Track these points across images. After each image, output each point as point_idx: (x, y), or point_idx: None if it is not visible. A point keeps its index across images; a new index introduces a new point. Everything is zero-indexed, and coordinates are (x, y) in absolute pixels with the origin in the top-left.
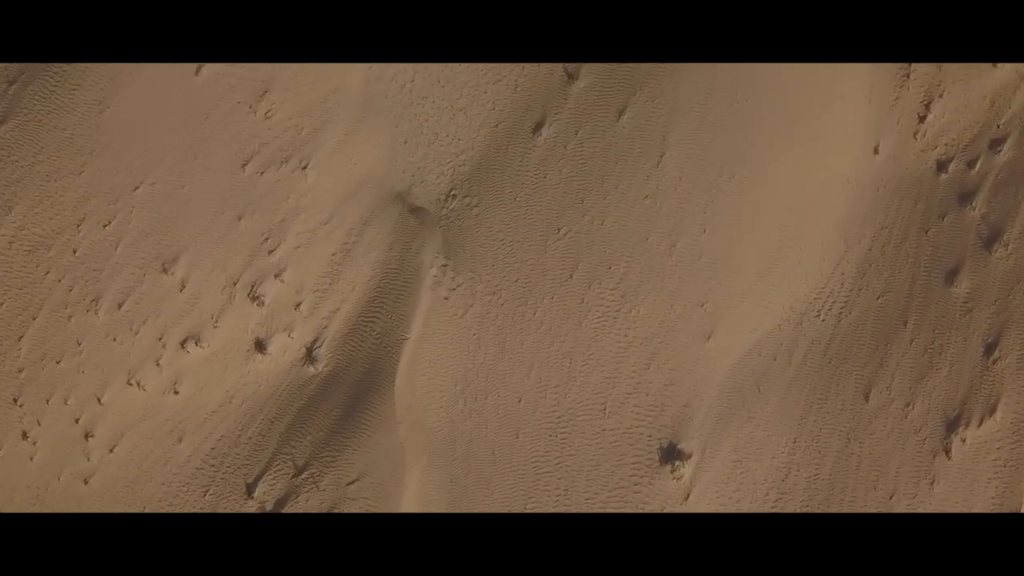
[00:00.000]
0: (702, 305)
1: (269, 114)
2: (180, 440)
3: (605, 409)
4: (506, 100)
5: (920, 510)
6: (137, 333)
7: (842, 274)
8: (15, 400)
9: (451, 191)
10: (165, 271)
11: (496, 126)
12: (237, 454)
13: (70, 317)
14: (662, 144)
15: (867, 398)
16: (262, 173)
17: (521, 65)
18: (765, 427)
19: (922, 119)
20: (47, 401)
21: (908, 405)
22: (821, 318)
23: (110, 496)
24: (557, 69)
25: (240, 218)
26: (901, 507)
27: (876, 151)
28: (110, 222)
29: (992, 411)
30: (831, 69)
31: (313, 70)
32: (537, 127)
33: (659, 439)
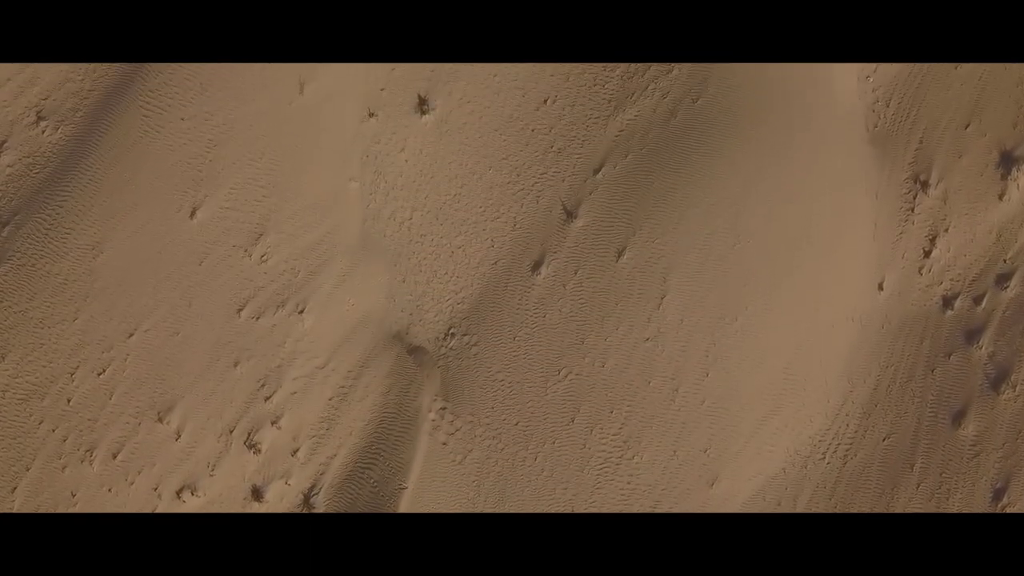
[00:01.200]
0: (705, 451)
1: (265, 257)
2: None
3: None
4: (505, 238)
5: None
6: (132, 483)
7: (847, 415)
8: None
9: (450, 329)
10: (160, 420)
11: (495, 263)
12: None
13: (64, 468)
14: (663, 286)
15: None
16: (258, 318)
17: (520, 201)
18: None
19: (927, 254)
20: None
21: None
22: (826, 461)
23: None
24: (556, 206)
25: (236, 364)
26: None
27: (881, 287)
28: (104, 370)
29: None
30: (835, 203)
31: (310, 211)
32: (536, 266)
33: None
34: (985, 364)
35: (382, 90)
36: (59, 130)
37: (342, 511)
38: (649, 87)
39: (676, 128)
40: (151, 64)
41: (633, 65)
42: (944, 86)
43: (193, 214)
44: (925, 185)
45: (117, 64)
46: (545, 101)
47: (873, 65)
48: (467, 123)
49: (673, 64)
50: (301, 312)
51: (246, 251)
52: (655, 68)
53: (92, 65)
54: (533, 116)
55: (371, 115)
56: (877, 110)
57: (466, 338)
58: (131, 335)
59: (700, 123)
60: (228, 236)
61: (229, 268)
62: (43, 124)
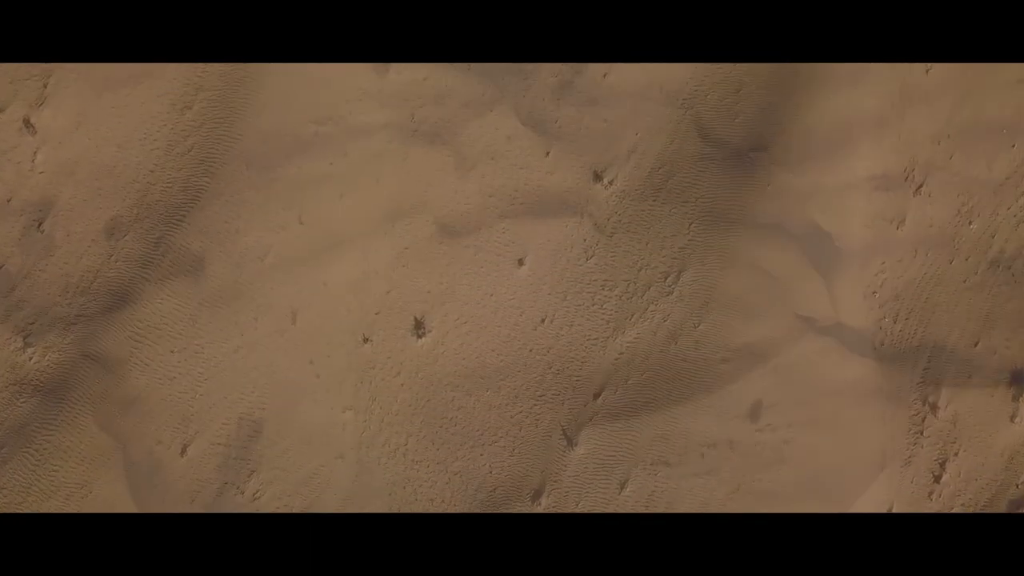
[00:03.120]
0: None
1: (257, 495)
2: None
3: None
4: (503, 463)
5: None
6: None
7: None
8: None
9: None
10: None
11: (493, 491)
12: None
13: None
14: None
15: None
16: None
17: (518, 425)
18: None
19: (937, 479)
20: None
21: None
22: None
23: None
24: (556, 431)
25: None
26: None
27: (890, 512)
28: None
29: None
30: (844, 435)
31: (304, 444)
32: (536, 495)
33: None
34: None
35: (377, 314)
36: (46, 357)
37: None
38: (649, 308)
39: (677, 354)
40: (141, 293)
41: (632, 284)
42: (953, 302)
43: (184, 451)
44: (934, 407)
45: (106, 291)
46: (543, 320)
47: (880, 279)
48: (464, 344)
49: (673, 285)
50: None
51: (239, 488)
52: (655, 288)
53: (81, 288)
54: (530, 336)
55: (366, 340)
56: (884, 327)
57: None
58: None
59: (702, 349)
60: (220, 473)
61: (220, 506)
62: (30, 351)
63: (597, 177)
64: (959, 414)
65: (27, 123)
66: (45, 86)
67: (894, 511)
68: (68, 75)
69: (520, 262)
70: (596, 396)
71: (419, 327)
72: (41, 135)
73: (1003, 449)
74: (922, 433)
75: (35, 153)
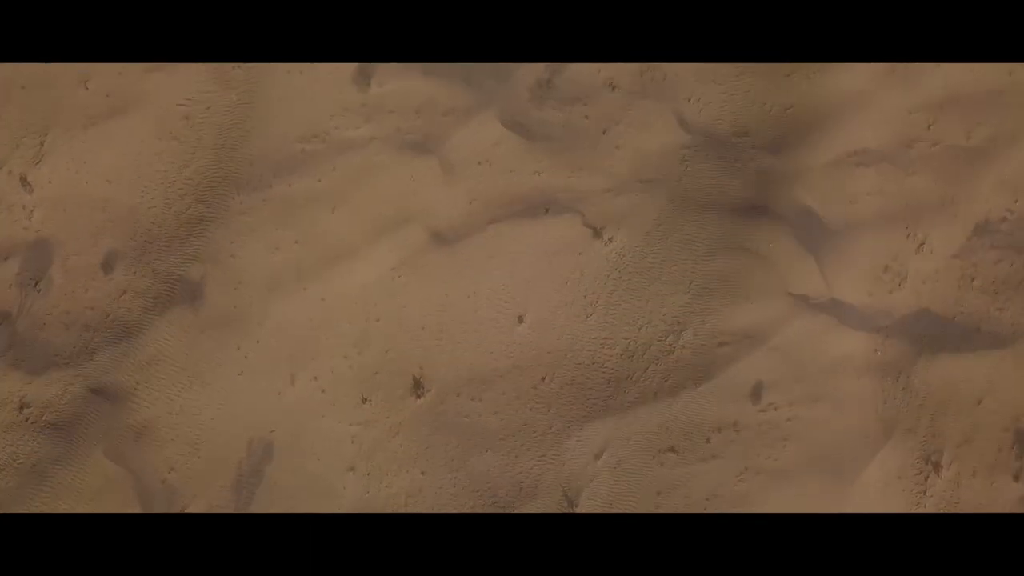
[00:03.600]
0: None
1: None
2: None
3: None
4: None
5: None
6: None
7: None
8: None
9: None
10: None
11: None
12: None
13: None
14: None
15: None
16: None
17: (518, 486)
18: None
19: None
20: None
21: None
22: None
23: None
24: (556, 491)
25: None
26: None
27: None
28: None
29: None
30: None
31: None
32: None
33: None
34: None
35: (376, 374)
36: (52, 395)
37: None
38: (649, 368)
39: (678, 414)
40: (142, 324)
41: (633, 343)
42: (956, 362)
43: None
44: (937, 467)
45: (107, 325)
46: (543, 379)
47: (881, 338)
48: (462, 402)
49: (675, 344)
50: None
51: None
52: (655, 347)
53: (82, 324)
54: (531, 394)
55: (365, 401)
56: (886, 388)
57: None
58: None
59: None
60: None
61: None
62: (35, 390)
63: (596, 234)
64: (962, 474)
65: (24, 181)
66: (42, 144)
67: (902, 479)
68: (61, 135)
69: (520, 319)
70: (597, 457)
71: (418, 387)
72: (36, 185)
73: (1008, 508)
74: (925, 493)
75: (29, 201)
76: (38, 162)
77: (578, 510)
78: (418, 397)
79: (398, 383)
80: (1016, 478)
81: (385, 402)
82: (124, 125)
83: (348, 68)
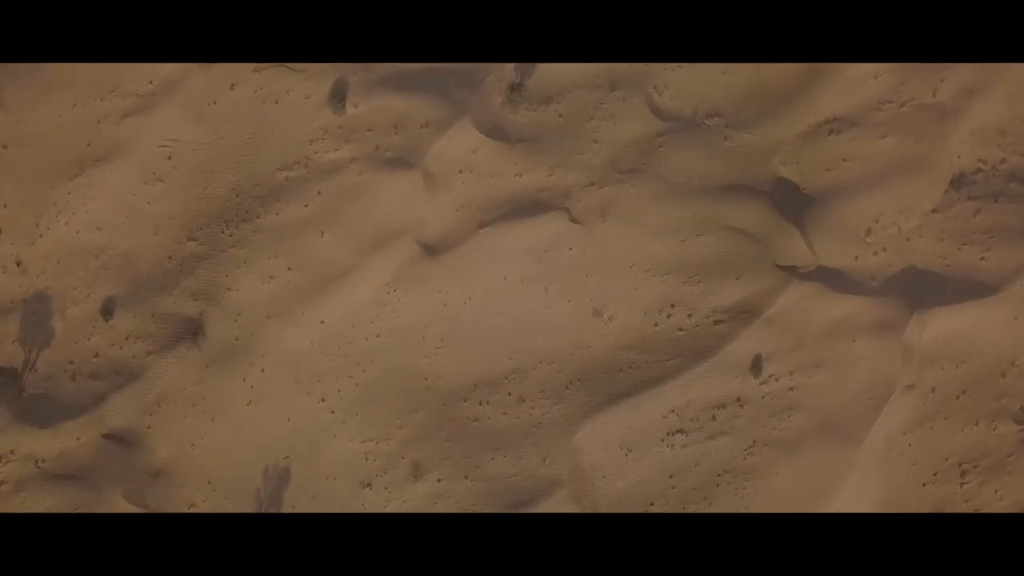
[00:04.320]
0: None
1: None
2: None
3: None
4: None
5: None
6: None
7: None
8: None
9: None
10: None
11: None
12: None
13: None
14: None
15: None
16: None
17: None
18: None
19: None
20: None
21: None
22: None
23: None
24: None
25: None
26: None
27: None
28: None
29: None
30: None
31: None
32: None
33: None
34: None
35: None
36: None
37: None
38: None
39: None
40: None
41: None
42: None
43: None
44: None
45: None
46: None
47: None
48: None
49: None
50: None
51: None
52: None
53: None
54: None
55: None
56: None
57: None
58: None
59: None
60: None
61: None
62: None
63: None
64: (951, 332)
65: (18, 263)
66: (37, 224)
67: (908, 435)
68: (47, 191)
69: (519, 319)
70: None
71: (417, 470)
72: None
73: (998, 356)
74: (918, 356)
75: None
76: (36, 224)
77: (592, 501)
78: (416, 480)
79: (405, 396)
80: (1017, 421)
81: (394, 415)
82: (108, 172)
83: (322, 92)
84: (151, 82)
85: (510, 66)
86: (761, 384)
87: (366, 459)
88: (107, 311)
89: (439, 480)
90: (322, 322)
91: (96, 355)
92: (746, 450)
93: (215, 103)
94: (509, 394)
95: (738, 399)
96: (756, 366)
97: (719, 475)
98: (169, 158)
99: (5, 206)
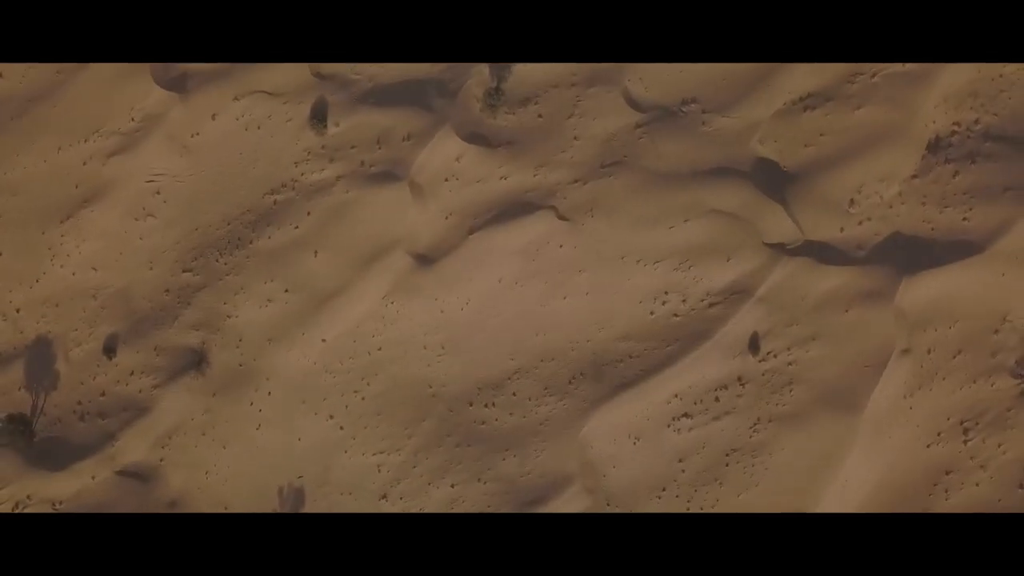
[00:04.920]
0: None
1: None
2: None
3: None
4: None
5: None
6: None
7: None
8: None
9: None
10: None
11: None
12: None
13: None
14: None
15: None
16: None
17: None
18: None
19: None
20: None
21: None
22: None
23: None
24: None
25: None
26: None
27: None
28: None
29: None
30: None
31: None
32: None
33: None
34: None
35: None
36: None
37: None
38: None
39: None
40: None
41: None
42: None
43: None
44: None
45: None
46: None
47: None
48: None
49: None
50: None
51: None
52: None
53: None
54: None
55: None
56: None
57: None
58: None
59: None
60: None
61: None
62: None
63: (574, 224)
64: (941, 294)
65: (18, 310)
66: (32, 270)
67: (908, 398)
68: (39, 235)
69: (518, 319)
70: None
71: (431, 404)
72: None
73: (990, 313)
74: (911, 320)
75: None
76: (32, 269)
77: (603, 494)
78: (433, 415)
79: (412, 405)
80: (1014, 375)
81: (403, 425)
82: (98, 212)
83: (303, 114)
84: (133, 119)
85: (486, 71)
86: (760, 362)
87: (379, 471)
88: (109, 349)
89: (453, 485)
90: (323, 340)
91: (103, 394)
92: (751, 428)
93: (198, 134)
94: (514, 394)
95: (739, 378)
96: (754, 344)
97: (727, 455)
98: (158, 192)
99: (0, 254)
